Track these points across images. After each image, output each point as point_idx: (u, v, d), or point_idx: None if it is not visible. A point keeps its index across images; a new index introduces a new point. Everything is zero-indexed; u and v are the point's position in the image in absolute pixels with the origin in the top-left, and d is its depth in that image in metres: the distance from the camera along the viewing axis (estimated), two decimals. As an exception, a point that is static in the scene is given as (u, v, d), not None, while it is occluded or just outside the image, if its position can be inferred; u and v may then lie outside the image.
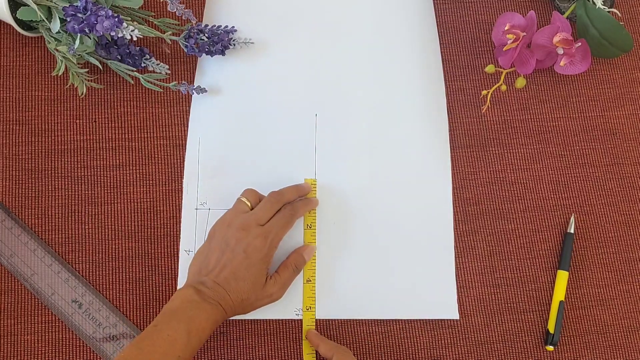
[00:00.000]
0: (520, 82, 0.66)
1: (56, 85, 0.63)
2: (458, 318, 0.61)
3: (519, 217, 0.64)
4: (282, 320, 0.60)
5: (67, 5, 0.56)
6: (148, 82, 0.62)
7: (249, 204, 0.57)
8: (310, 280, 0.60)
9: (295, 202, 0.60)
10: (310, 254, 0.60)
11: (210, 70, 0.65)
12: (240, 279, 0.54)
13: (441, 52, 0.68)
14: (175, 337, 0.49)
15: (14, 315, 0.58)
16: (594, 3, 0.66)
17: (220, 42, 0.63)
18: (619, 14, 0.69)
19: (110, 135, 0.63)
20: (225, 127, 0.64)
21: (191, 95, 0.64)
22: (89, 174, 0.62)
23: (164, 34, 0.61)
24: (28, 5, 0.57)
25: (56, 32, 0.58)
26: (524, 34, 0.64)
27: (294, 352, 0.59)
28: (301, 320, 0.60)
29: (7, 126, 0.62)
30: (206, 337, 0.51)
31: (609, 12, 0.67)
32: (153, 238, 0.61)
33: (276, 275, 0.57)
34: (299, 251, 0.59)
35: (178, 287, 0.60)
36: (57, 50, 0.58)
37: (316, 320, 0.60)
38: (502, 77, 0.66)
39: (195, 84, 0.64)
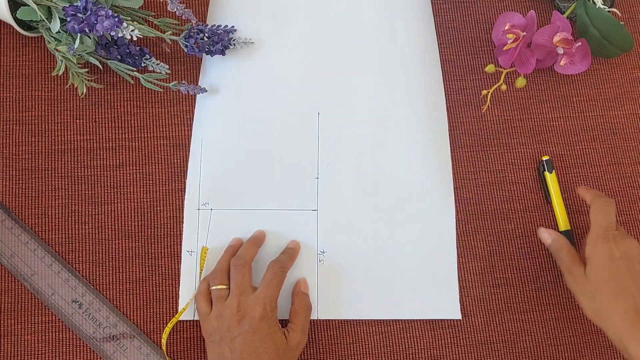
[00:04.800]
0: (521, 82, 0.66)
1: (56, 85, 0.63)
2: (460, 318, 0.61)
3: (520, 217, 0.64)
4: (282, 320, 0.60)
5: (67, 5, 0.56)
6: (148, 81, 0.62)
7: (225, 285, 0.56)
8: None
9: (281, 256, 0.59)
10: (306, 286, 0.60)
11: (214, 70, 0.65)
12: (263, 353, 0.52)
13: (441, 52, 0.68)
14: None
15: (14, 315, 0.58)
16: (594, 3, 0.66)
17: (220, 41, 0.63)
18: (619, 14, 0.69)
19: (110, 135, 0.63)
20: (227, 127, 0.64)
21: (193, 96, 0.64)
22: (90, 173, 0.62)
23: (164, 33, 0.61)
24: (28, 5, 0.57)
25: (56, 32, 0.58)
26: (524, 33, 0.64)
27: (295, 352, 0.59)
28: None
29: (7, 126, 0.62)
30: None
31: (609, 11, 0.67)
32: (154, 238, 0.61)
33: (292, 325, 0.56)
34: (298, 291, 0.59)
35: (180, 288, 0.60)
36: (57, 50, 0.58)
37: (318, 320, 0.60)
38: (502, 77, 0.66)
39: (200, 84, 0.64)
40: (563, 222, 0.63)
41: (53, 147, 0.62)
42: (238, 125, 0.64)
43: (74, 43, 0.57)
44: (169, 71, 0.61)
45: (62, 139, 0.62)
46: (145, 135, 0.63)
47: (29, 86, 0.63)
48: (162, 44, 0.65)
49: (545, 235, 0.61)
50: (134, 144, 0.63)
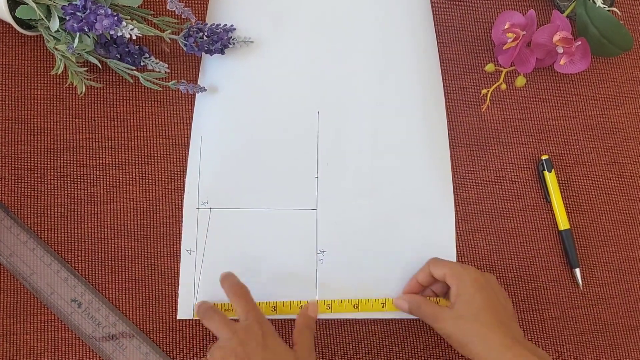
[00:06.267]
0: (520, 81, 0.66)
1: (55, 84, 0.63)
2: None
3: (519, 216, 0.64)
4: (282, 319, 0.60)
5: (67, 4, 0.56)
6: (147, 80, 0.62)
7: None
8: None
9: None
10: (314, 309, 0.59)
11: (213, 69, 0.65)
12: None
13: (441, 51, 0.68)
14: None
15: (13, 315, 0.58)
16: (594, 2, 0.66)
17: (220, 40, 0.63)
18: (619, 13, 0.69)
19: (109, 134, 0.63)
20: (227, 126, 0.64)
21: (192, 94, 0.64)
22: (89, 172, 0.62)
23: (163, 32, 0.61)
24: (27, 4, 0.57)
25: (55, 31, 0.58)
26: (524, 32, 0.64)
27: (294, 351, 0.59)
28: None
29: (6, 125, 0.62)
30: None
31: (608, 10, 0.67)
32: (153, 237, 0.61)
33: (296, 343, 0.55)
34: (304, 313, 0.58)
35: (179, 288, 0.60)
36: (56, 49, 0.58)
37: (318, 319, 0.60)
38: (502, 76, 0.66)
39: (200, 83, 0.64)
40: (562, 221, 0.63)
41: (52, 146, 0.62)
42: (237, 124, 0.64)
43: (73, 42, 0.57)
44: (168, 70, 0.61)
45: (61, 138, 0.62)
46: (145, 134, 0.63)
47: (28, 85, 0.63)
48: (162, 43, 0.64)
49: (401, 302, 0.58)
50: (133, 142, 0.63)
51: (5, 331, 0.58)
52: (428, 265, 0.58)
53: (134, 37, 0.56)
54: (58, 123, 0.62)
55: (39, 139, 0.62)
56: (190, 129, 0.63)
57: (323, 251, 0.61)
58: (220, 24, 0.63)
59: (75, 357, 0.57)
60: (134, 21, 0.58)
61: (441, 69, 0.67)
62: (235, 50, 0.65)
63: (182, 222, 0.61)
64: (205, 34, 0.62)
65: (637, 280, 0.64)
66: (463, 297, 0.54)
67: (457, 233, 0.63)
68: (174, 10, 0.60)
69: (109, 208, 0.61)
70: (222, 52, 0.63)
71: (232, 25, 0.64)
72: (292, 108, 0.64)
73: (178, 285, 0.60)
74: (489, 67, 0.67)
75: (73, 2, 0.56)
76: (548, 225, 0.64)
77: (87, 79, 0.62)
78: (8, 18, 0.58)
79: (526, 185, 0.65)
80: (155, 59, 0.61)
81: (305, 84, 0.65)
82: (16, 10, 0.57)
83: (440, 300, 0.59)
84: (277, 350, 0.52)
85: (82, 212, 0.61)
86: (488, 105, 0.67)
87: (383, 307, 0.60)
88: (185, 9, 0.60)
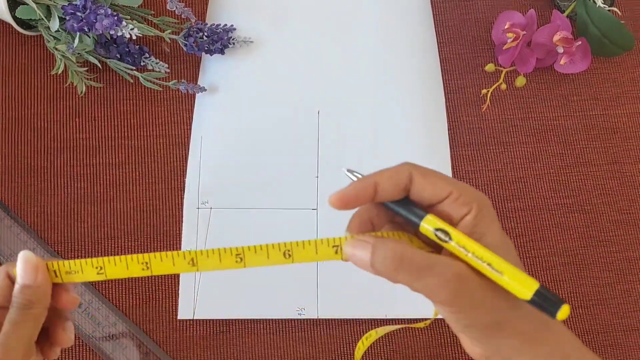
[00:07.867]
0: (520, 81, 0.66)
1: (55, 84, 0.63)
2: (458, 317, 0.61)
3: (519, 216, 0.64)
4: (283, 319, 0.60)
5: (67, 4, 0.56)
6: (147, 80, 0.62)
7: None
8: None
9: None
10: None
11: (214, 69, 0.65)
12: None
13: (441, 51, 0.68)
14: None
15: (14, 315, 0.58)
16: (594, 1, 0.66)
17: (220, 40, 0.63)
18: (620, 13, 0.69)
19: (110, 133, 0.63)
20: (227, 126, 0.64)
21: (192, 94, 0.64)
22: (89, 172, 0.62)
23: (163, 32, 0.61)
24: (27, 4, 0.57)
25: (55, 31, 0.58)
26: (524, 32, 0.64)
27: (295, 351, 0.59)
28: (303, 319, 0.59)
29: (7, 125, 0.62)
30: None
31: (609, 10, 0.67)
32: (153, 237, 0.61)
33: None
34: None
35: (180, 287, 0.59)
36: (56, 49, 0.58)
37: (318, 319, 0.60)
38: (502, 76, 0.66)
39: (200, 83, 0.64)
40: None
41: (52, 146, 0.62)
42: (237, 124, 0.64)
43: (73, 42, 0.57)
44: (168, 70, 0.61)
45: (62, 138, 0.62)
46: (145, 134, 0.63)
47: (28, 85, 0.63)
48: (162, 43, 0.64)
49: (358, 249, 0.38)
50: (133, 142, 0.63)
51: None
52: (409, 173, 0.37)
53: (134, 37, 0.56)
54: (58, 123, 0.62)
55: (39, 138, 0.62)
56: (190, 129, 0.63)
57: (323, 251, 0.61)
58: (220, 24, 0.63)
59: (75, 357, 0.57)
60: (134, 21, 0.58)
61: (441, 69, 0.67)
62: (235, 50, 0.65)
63: (182, 222, 0.61)
64: (205, 34, 0.62)
65: (637, 280, 0.64)
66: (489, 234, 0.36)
67: (457, 233, 0.63)
68: (174, 10, 0.60)
69: (108, 208, 0.61)
70: (222, 52, 0.63)
71: (232, 25, 0.64)
72: (292, 108, 0.64)
73: (178, 285, 0.60)
74: (489, 67, 0.66)
75: (73, 2, 0.56)
76: (548, 225, 0.64)
77: (87, 79, 0.62)
78: (8, 18, 0.58)
79: (526, 184, 0.65)
80: (155, 59, 0.61)
81: (305, 84, 0.65)
82: (16, 10, 0.57)
83: None
84: None
85: (82, 212, 0.61)
86: (488, 105, 0.67)
87: (336, 252, 0.42)
88: (185, 9, 0.60)
